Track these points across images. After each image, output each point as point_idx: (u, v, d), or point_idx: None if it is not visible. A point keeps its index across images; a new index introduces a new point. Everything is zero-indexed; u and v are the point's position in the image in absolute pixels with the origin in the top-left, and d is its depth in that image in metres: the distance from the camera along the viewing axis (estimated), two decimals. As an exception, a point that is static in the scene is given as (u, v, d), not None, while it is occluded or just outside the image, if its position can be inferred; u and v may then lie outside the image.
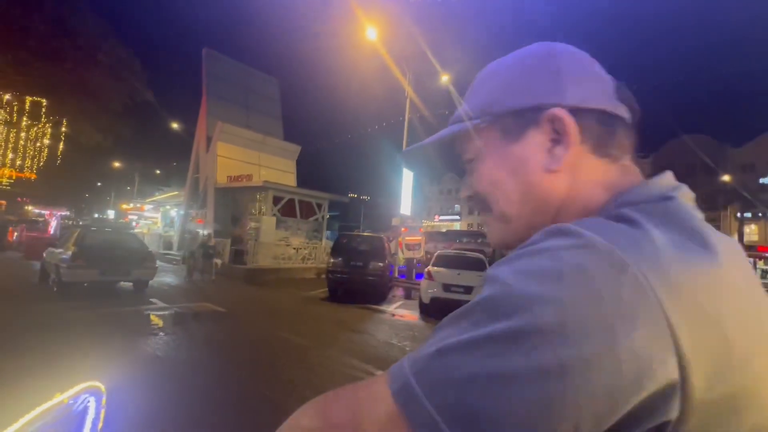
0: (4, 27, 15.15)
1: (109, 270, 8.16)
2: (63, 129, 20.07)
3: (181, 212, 21.74)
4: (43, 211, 19.03)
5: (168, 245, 21.56)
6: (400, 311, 9.18)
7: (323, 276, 15.19)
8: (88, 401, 0.58)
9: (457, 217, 60.85)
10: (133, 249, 8.83)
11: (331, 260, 10.59)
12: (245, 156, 19.85)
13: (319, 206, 18.77)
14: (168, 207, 24.73)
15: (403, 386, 0.32)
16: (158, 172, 54.03)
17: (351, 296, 10.10)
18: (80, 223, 24.59)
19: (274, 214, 16.56)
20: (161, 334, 5.78)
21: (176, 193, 22.29)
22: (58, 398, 0.54)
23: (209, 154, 19.51)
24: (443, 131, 0.53)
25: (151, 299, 8.29)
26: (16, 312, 6.57)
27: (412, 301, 10.89)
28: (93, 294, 8.37)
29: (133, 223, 25.39)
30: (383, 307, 9.41)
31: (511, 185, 0.46)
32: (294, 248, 16.46)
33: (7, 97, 17.48)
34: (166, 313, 7.33)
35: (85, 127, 20.26)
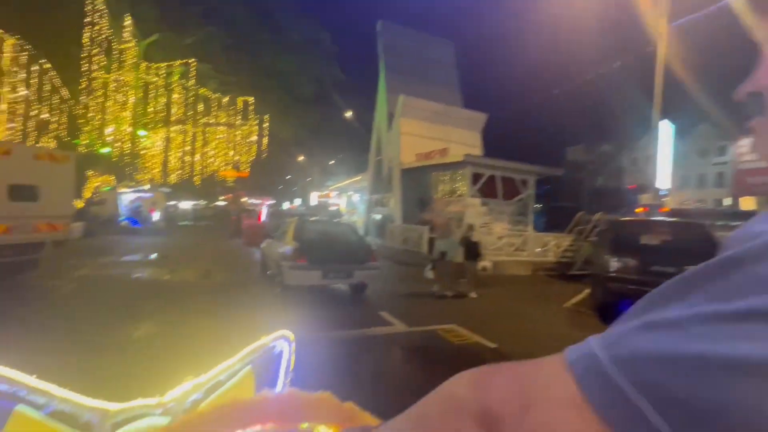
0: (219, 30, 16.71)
1: (332, 271, 6.40)
2: (266, 125, 21.85)
3: (365, 197, 21.27)
4: (256, 201, 20.91)
5: (354, 231, 21.45)
6: None
7: (540, 273, 11.64)
8: (282, 346, 0.71)
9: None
10: (354, 243, 6.99)
11: (613, 261, 6.71)
12: (429, 131, 17.52)
13: (524, 183, 14.90)
14: (350, 193, 24.89)
15: (589, 360, 0.26)
16: (332, 162, 59.48)
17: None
18: (279, 208, 27.20)
19: (474, 195, 13.58)
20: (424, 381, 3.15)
21: (359, 177, 21.86)
22: (262, 341, 0.68)
23: (392, 133, 17.98)
24: None
25: (380, 312, 6.20)
26: (251, 317, 5.18)
27: None
28: (313, 300, 6.83)
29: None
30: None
31: None
32: (498, 236, 13.16)
33: (225, 99, 19.63)
34: (416, 342, 4.98)
35: (282, 120, 21.65)
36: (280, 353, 0.72)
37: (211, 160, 22.20)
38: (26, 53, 14.55)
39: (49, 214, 7.19)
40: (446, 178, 16.36)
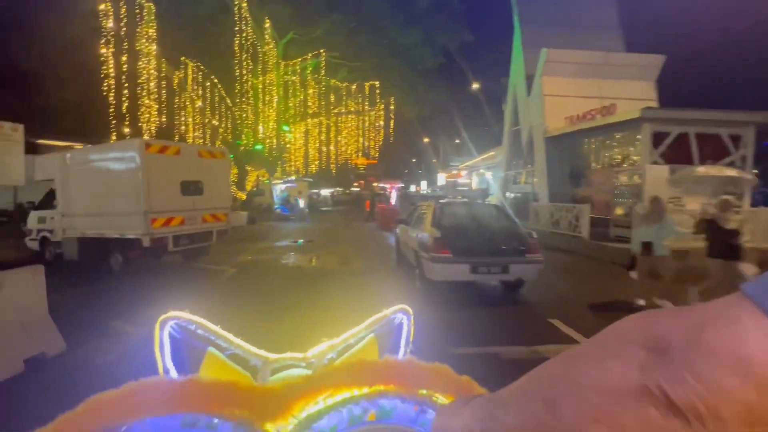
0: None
1: (483, 265, 5.21)
2: (392, 107, 21.60)
3: (499, 174, 19.19)
4: (384, 186, 21.02)
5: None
6: None
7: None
8: (402, 319, 0.76)
9: None
10: (508, 230, 5.64)
11: None
12: (581, 88, 14.36)
13: (736, 140, 10.76)
14: (481, 171, 22.97)
15: None
16: (457, 141, 57.17)
17: None
18: (407, 191, 27.03)
19: (655, 161, 10.38)
20: None
21: (491, 153, 19.82)
22: (383, 312, 0.74)
23: (532, 97, 15.41)
24: None
25: (550, 321, 4.78)
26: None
27: None
28: (459, 299, 5.79)
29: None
30: None
31: None
32: (700, 215, 9.73)
33: (353, 87, 20.00)
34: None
35: (407, 100, 21.06)
36: (401, 325, 0.77)
37: (344, 148, 23.21)
38: (201, 72, 17.22)
39: (212, 206, 7.92)
40: (609, 144, 13.15)
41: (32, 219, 8.90)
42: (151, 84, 13.82)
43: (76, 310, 5.16)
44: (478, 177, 24.65)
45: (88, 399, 0.50)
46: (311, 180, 38.88)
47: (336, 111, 20.68)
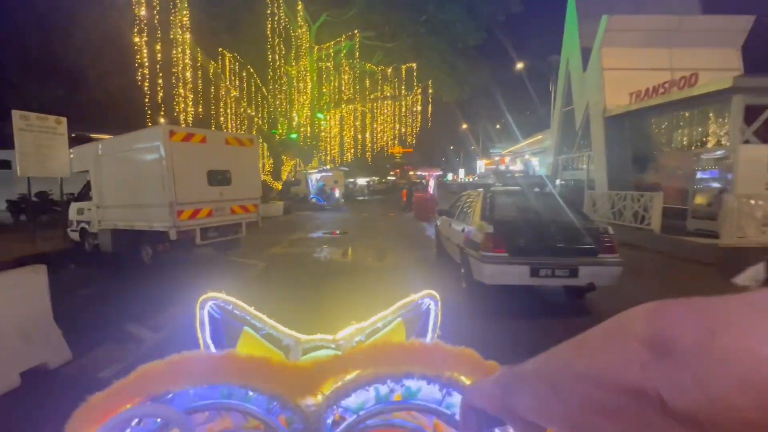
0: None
1: (546, 267, 4.31)
2: (430, 91, 20.46)
3: (548, 160, 17.62)
4: (422, 174, 20.10)
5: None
6: None
7: None
8: (430, 304, 0.78)
9: None
10: (575, 225, 4.66)
11: None
12: (648, 59, 12.57)
13: None
14: (527, 156, 21.39)
15: None
16: (498, 126, 54.49)
17: None
18: (444, 180, 25.89)
19: (747, 141, 8.72)
20: None
21: (538, 137, 18.26)
22: (411, 297, 0.76)
23: (589, 73, 13.75)
24: None
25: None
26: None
27: None
28: (514, 301, 4.93)
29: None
30: None
31: None
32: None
33: (389, 70, 19.06)
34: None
35: (446, 83, 19.84)
36: (428, 310, 0.78)
37: (380, 135, 22.42)
38: (237, 61, 17.05)
39: (241, 196, 7.50)
40: (684, 122, 11.42)
41: (72, 210, 8.99)
42: (187, 74, 13.75)
43: (95, 309, 4.88)
44: (522, 163, 23.04)
45: (137, 368, 0.55)
46: (347, 169, 38.64)
47: (371, 97, 19.85)
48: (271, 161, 17.82)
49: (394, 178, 71.99)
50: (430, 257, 8.03)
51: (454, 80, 19.97)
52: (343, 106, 19.60)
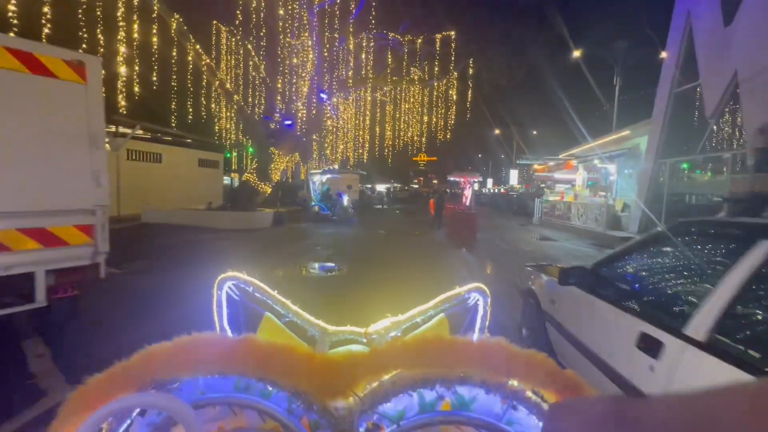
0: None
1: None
2: (470, 70, 15.59)
3: (638, 167, 12.44)
4: (456, 179, 15.26)
5: (615, 222, 12.93)
6: None
7: None
8: (478, 299, 0.70)
9: None
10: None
11: None
12: None
13: None
14: (596, 161, 16.17)
15: None
16: (535, 132, 48.77)
17: None
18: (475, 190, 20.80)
19: None
20: None
21: (625, 132, 13.10)
22: (456, 290, 0.70)
23: (738, 26, 8.64)
24: None
25: None
26: None
27: None
28: None
29: (545, 190, 19.03)
30: None
31: None
32: None
33: (419, 41, 14.34)
34: None
35: (494, 60, 15.05)
36: (476, 305, 0.71)
37: (404, 128, 17.67)
38: (234, 39, 12.90)
39: (24, 207, 2.89)
40: None
41: None
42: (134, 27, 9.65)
43: None
44: (585, 170, 17.77)
45: (141, 350, 0.49)
46: (364, 173, 34.05)
47: (394, 78, 15.13)
48: (253, 155, 13.35)
49: (417, 186, 67.15)
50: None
51: (504, 57, 15.09)
52: (354, 89, 15.00)
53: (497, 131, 50.16)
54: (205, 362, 0.47)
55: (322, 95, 12.86)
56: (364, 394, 0.47)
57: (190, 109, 12.57)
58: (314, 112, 13.30)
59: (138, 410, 0.46)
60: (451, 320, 0.69)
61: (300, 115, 12.59)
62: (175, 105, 13.18)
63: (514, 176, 52.80)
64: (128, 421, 0.46)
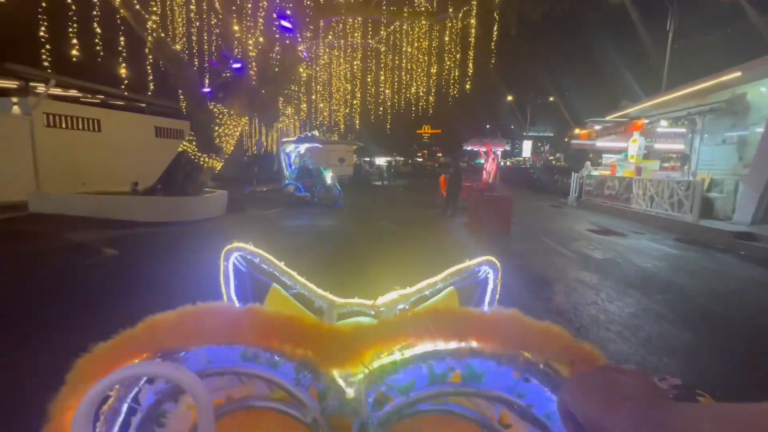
0: None
1: None
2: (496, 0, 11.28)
3: (745, 124, 8.47)
4: (474, 147, 11.31)
5: (706, 206, 9.07)
6: None
7: None
8: (488, 272, 0.68)
9: None
10: None
11: None
12: None
13: None
14: (649, 124, 12.17)
15: None
16: (551, 98, 43.70)
17: None
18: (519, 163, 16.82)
19: None
20: None
21: (726, 77, 9.00)
22: (466, 263, 0.66)
23: None
24: None
25: None
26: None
27: None
28: None
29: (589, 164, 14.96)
30: None
31: None
32: None
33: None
34: None
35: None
36: (486, 278, 0.69)
37: (405, 82, 13.46)
38: None
39: None
40: None
41: None
42: None
43: None
44: (638, 142, 13.56)
45: (146, 319, 0.49)
46: (361, 144, 29.84)
47: (391, 9, 10.82)
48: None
49: (421, 159, 62.70)
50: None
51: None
52: (337, 20, 10.79)
53: (510, 97, 45.26)
54: (210, 333, 0.47)
55: (285, 23, 8.71)
56: (372, 365, 0.47)
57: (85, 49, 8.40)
58: (278, 50, 9.21)
59: (145, 378, 0.47)
60: (461, 293, 0.68)
61: (253, 55, 8.55)
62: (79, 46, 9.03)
63: (527, 148, 48.28)
64: (136, 389, 0.47)
